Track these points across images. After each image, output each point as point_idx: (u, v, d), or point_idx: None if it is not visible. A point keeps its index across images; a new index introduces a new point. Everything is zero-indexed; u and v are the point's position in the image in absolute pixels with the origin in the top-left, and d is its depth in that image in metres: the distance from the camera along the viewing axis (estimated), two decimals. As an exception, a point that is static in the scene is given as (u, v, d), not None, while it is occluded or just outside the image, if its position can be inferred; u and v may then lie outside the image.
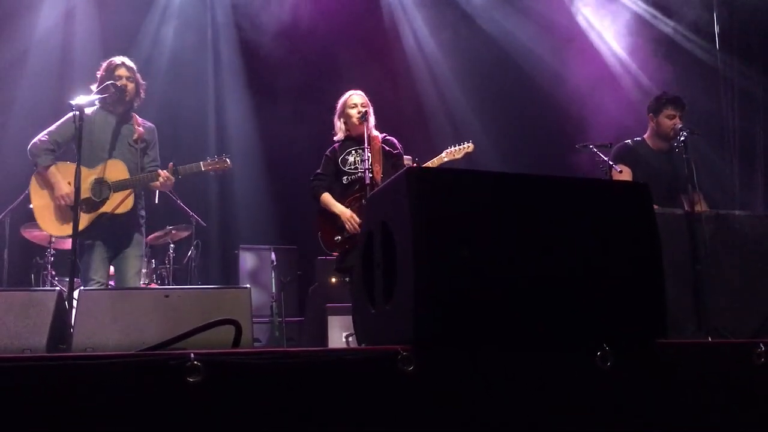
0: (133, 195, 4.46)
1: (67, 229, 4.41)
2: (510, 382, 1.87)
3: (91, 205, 4.38)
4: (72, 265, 3.74)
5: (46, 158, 4.45)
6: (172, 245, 6.90)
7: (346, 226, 4.49)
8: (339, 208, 4.56)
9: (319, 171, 4.78)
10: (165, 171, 4.45)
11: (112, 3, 7.75)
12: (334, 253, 4.76)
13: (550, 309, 2.00)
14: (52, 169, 4.45)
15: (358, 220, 4.45)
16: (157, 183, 4.50)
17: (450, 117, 8.75)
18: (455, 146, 4.94)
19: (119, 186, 4.41)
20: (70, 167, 4.41)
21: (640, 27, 7.84)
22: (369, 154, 4.46)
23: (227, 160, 4.69)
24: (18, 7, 7.29)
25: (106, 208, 4.39)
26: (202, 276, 7.51)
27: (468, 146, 4.92)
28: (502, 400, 1.85)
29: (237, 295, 3.05)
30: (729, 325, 4.06)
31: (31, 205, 4.59)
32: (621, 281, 2.10)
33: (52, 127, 4.55)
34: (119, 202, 4.42)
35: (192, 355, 1.58)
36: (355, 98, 4.76)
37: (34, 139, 4.50)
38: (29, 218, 6.11)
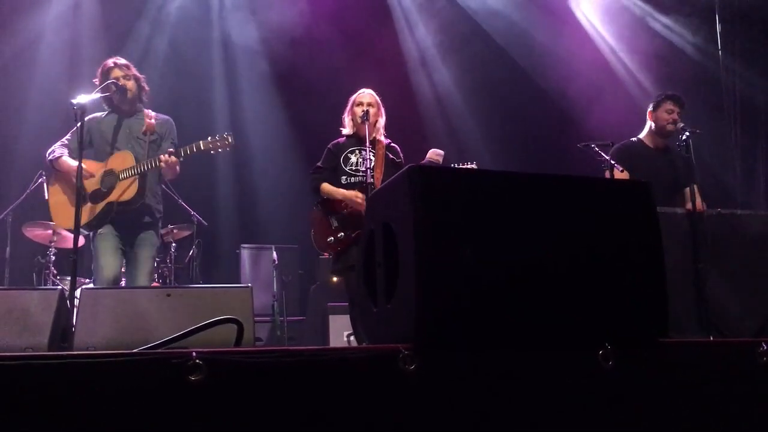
0: (137, 182, 4.44)
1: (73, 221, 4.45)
2: (512, 381, 1.87)
3: (100, 195, 4.42)
4: (74, 264, 3.75)
5: (57, 153, 4.54)
6: (173, 244, 6.91)
7: (353, 205, 4.45)
8: (342, 192, 4.53)
9: (319, 164, 4.74)
10: (164, 155, 4.44)
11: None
12: (325, 254, 4.74)
13: (551, 308, 2.00)
14: (63, 158, 4.52)
15: (362, 195, 4.43)
16: (162, 164, 4.45)
17: (445, 116, 8.75)
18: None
19: (125, 174, 4.43)
20: (84, 161, 4.45)
21: (643, 28, 7.84)
22: (372, 158, 4.45)
23: (228, 137, 4.55)
24: (23, 4, 7.32)
25: (113, 196, 4.41)
26: (204, 275, 7.51)
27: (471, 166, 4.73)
28: (504, 399, 1.85)
29: (238, 294, 3.04)
30: (731, 324, 4.06)
31: (47, 203, 4.66)
32: (623, 280, 2.10)
33: (67, 136, 4.66)
34: (123, 190, 4.43)
35: (194, 354, 1.58)
36: (363, 97, 4.73)
37: (50, 149, 4.59)
38: (32, 217, 6.14)
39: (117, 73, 4.60)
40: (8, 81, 7.18)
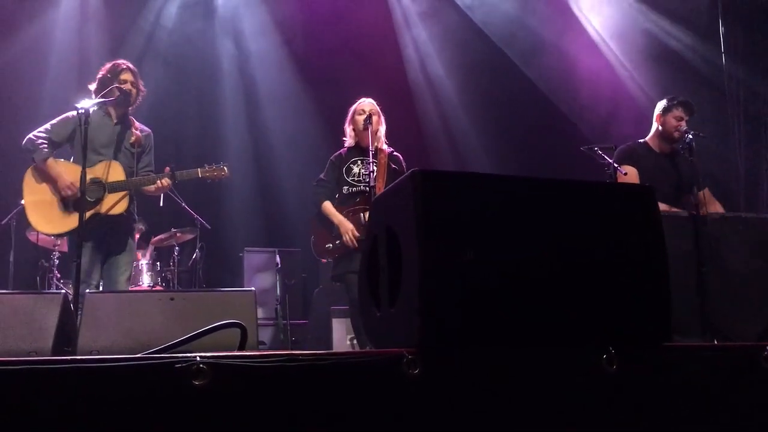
0: (128, 197, 4.45)
1: (58, 227, 4.42)
2: (515, 386, 1.87)
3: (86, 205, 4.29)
4: (77, 267, 3.75)
5: (43, 152, 4.37)
6: (176, 248, 6.92)
7: (344, 238, 4.49)
8: (339, 218, 4.57)
9: (322, 176, 4.79)
10: (163, 177, 4.44)
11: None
12: (323, 260, 4.80)
13: (555, 313, 2.00)
14: (51, 162, 4.38)
15: (356, 234, 4.45)
16: (152, 188, 4.49)
17: (445, 121, 8.75)
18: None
19: (114, 187, 4.39)
20: (69, 165, 4.46)
21: (645, 31, 7.83)
22: (375, 168, 4.47)
23: (225, 168, 4.64)
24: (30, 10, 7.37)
25: (100, 208, 4.35)
26: (207, 278, 7.52)
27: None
28: (508, 404, 1.84)
29: (242, 297, 3.05)
30: (735, 328, 4.05)
31: (22, 201, 4.51)
32: (626, 284, 2.10)
33: (48, 125, 4.50)
34: (113, 204, 4.39)
35: (198, 358, 1.58)
36: (364, 105, 4.79)
37: (30, 135, 4.45)
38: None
39: (128, 76, 4.60)
40: (17, 83, 7.21)
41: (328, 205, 4.66)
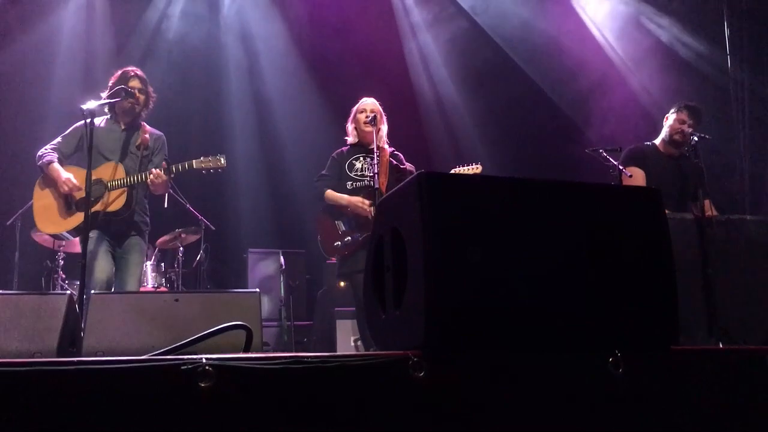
0: (125, 194, 4.48)
1: (60, 227, 4.59)
2: (521, 388, 1.86)
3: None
4: (83, 268, 3.76)
5: (50, 158, 4.55)
6: (181, 249, 6.92)
7: (359, 210, 4.51)
8: (346, 197, 4.60)
9: (323, 172, 4.84)
10: (156, 169, 4.46)
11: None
12: (332, 258, 4.83)
13: (562, 315, 1.99)
14: (54, 165, 4.53)
15: (368, 202, 4.48)
16: (151, 177, 4.49)
17: (448, 123, 8.74)
18: (463, 167, 4.83)
19: (114, 185, 4.46)
20: (73, 169, 4.59)
21: (650, 32, 7.81)
22: (377, 162, 4.50)
23: (221, 158, 4.64)
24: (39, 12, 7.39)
25: (100, 206, 4.41)
26: (211, 279, 7.52)
27: (476, 167, 4.81)
28: (514, 406, 1.84)
29: (247, 299, 3.05)
30: (740, 331, 4.04)
31: (32, 204, 4.67)
32: (633, 287, 2.09)
33: (58, 139, 4.66)
34: (112, 200, 4.46)
35: (204, 360, 1.58)
36: (366, 104, 4.84)
37: (40, 150, 4.61)
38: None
39: (136, 83, 4.66)
40: (24, 84, 7.22)
41: (331, 192, 4.70)
